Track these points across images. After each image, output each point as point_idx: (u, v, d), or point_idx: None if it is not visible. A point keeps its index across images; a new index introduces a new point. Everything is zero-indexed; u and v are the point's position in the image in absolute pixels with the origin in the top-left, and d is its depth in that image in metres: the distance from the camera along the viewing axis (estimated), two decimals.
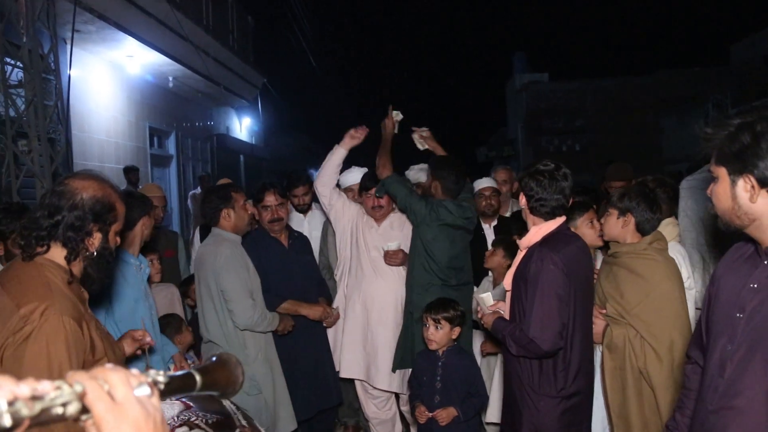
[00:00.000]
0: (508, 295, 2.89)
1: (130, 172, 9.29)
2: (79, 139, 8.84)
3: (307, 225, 4.63)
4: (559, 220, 2.76)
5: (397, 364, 3.93)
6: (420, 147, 4.41)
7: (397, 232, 4.15)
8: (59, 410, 0.73)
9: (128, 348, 2.60)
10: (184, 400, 2.46)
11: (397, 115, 4.21)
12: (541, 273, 2.62)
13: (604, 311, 2.98)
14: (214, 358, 1.06)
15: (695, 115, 18.96)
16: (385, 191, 4.05)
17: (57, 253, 1.89)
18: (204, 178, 12.28)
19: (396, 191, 3.93)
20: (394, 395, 4.14)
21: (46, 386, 0.73)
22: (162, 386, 0.88)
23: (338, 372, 4.13)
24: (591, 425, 2.93)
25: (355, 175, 4.52)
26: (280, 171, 22.59)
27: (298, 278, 4.00)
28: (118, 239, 2.04)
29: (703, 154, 1.66)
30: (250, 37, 15.71)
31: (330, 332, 4.21)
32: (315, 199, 4.62)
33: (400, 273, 4.11)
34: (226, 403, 2.53)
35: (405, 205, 3.90)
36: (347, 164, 4.44)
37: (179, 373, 0.96)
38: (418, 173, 4.80)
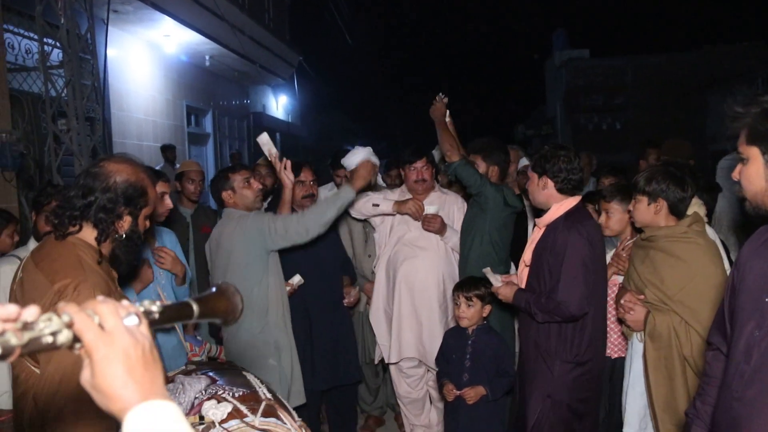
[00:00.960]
0: (525, 269, 3.06)
1: (168, 150, 9.45)
2: (118, 118, 9.01)
3: None
4: (579, 197, 3.02)
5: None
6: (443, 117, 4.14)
7: (437, 208, 4.05)
8: (48, 339, 0.77)
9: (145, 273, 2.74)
10: (210, 374, 2.52)
11: (442, 100, 4.07)
12: (568, 242, 2.83)
13: (642, 297, 2.86)
14: (213, 289, 1.08)
15: (743, 93, 18.34)
16: (455, 175, 3.92)
17: (88, 234, 1.93)
18: (235, 155, 12.41)
19: (469, 176, 3.82)
20: (425, 374, 4.13)
21: (34, 314, 0.78)
22: (156, 315, 0.91)
23: (387, 357, 4.11)
24: (602, 405, 3.20)
25: (361, 156, 4.24)
26: (316, 149, 22.74)
27: (323, 254, 3.99)
28: (148, 223, 2.06)
29: (730, 133, 1.59)
30: (286, 15, 15.71)
31: (380, 319, 4.16)
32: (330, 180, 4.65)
33: (439, 250, 4.05)
34: (250, 377, 2.58)
35: (479, 189, 3.81)
36: (351, 145, 4.33)
37: (176, 302, 0.98)
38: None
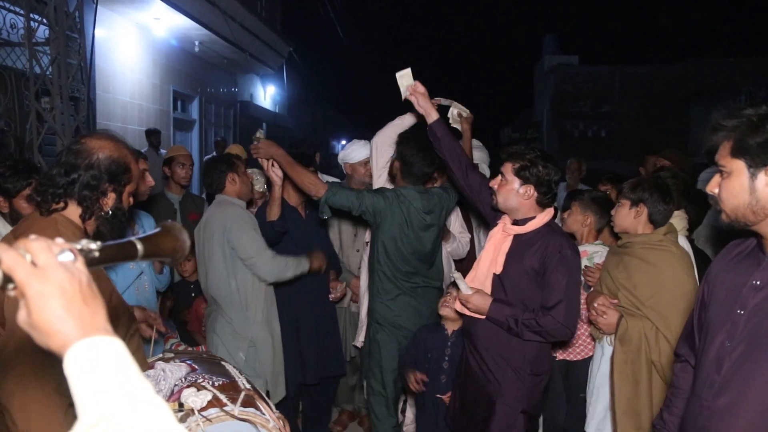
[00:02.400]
0: (489, 278, 2.79)
1: (152, 134, 9.34)
2: (103, 99, 8.89)
3: None
4: (552, 209, 2.83)
5: (365, 375, 3.70)
6: (454, 124, 3.73)
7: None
8: None
9: (138, 313, 2.63)
10: (189, 362, 2.49)
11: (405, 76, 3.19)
12: (569, 259, 2.66)
13: (615, 301, 2.90)
14: (158, 228, 1.07)
15: (727, 107, 18.55)
16: (330, 210, 3.34)
17: (72, 211, 1.92)
18: (219, 143, 12.30)
19: (344, 201, 3.30)
20: None
21: None
22: (96, 253, 0.88)
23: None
24: (559, 407, 3.21)
25: (355, 152, 4.25)
26: (302, 141, 22.64)
27: (314, 248, 3.95)
28: (132, 200, 2.05)
29: (710, 145, 1.58)
30: (278, 5, 15.62)
31: (361, 307, 4.07)
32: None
33: None
34: (228, 367, 2.56)
35: (362, 210, 3.33)
36: (348, 139, 4.26)
37: (118, 241, 0.94)
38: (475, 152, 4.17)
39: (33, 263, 0.79)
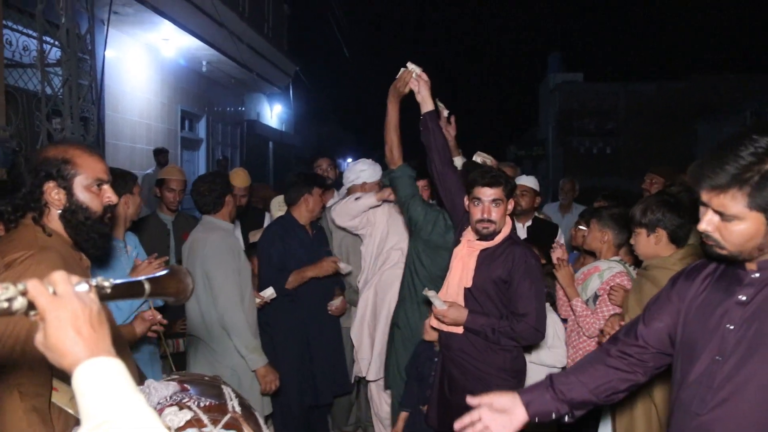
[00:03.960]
0: (460, 293, 2.95)
1: (160, 153, 9.42)
2: (112, 119, 9.00)
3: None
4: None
5: (390, 383, 3.72)
6: (411, 88, 3.28)
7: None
8: (4, 305, 0.87)
9: (139, 328, 2.68)
10: (185, 384, 2.49)
11: (412, 71, 3.23)
12: (534, 267, 2.90)
13: (623, 322, 2.79)
14: (165, 271, 1.19)
15: (732, 123, 18.59)
16: (391, 182, 3.58)
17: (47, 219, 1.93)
18: (221, 162, 12.40)
19: (404, 189, 3.49)
20: None
21: None
22: (108, 290, 1.01)
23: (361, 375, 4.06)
24: None
25: (369, 171, 4.28)
26: (308, 159, 22.75)
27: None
28: (110, 197, 1.96)
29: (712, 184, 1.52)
30: (285, 25, 15.79)
31: (354, 334, 4.10)
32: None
33: None
34: (226, 389, 2.55)
35: (411, 209, 3.48)
36: (355, 157, 4.32)
37: (128, 280, 1.09)
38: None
39: (54, 293, 0.93)
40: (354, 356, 4.09)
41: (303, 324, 3.83)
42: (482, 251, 2.94)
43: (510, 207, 2.97)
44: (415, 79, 3.26)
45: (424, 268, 3.52)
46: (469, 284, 2.93)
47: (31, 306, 0.91)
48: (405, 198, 3.49)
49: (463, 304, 2.93)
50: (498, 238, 2.94)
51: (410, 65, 3.26)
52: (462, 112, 4.26)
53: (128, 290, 1.08)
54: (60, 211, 1.90)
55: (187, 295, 1.22)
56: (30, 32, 6.45)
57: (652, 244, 2.81)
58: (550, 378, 1.91)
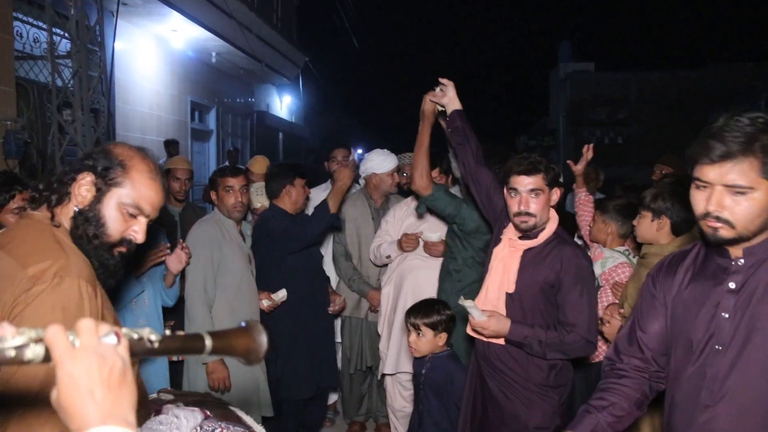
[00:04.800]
0: (501, 298, 2.63)
1: (170, 145, 9.45)
2: (122, 110, 9.03)
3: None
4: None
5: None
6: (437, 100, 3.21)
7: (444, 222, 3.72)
8: (11, 353, 0.76)
9: None
10: (202, 410, 2.43)
11: (443, 93, 3.10)
12: (586, 269, 2.57)
13: (621, 311, 2.86)
14: (243, 324, 1.00)
15: (746, 112, 18.40)
16: (427, 205, 3.46)
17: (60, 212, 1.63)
18: (232, 153, 12.41)
19: (443, 206, 3.39)
20: None
21: (6, 330, 0.77)
22: (155, 344, 0.87)
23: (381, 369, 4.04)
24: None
25: (383, 162, 4.25)
26: (318, 149, 22.79)
27: (315, 260, 4.03)
28: (136, 233, 1.63)
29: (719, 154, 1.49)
30: (294, 16, 15.76)
31: (381, 322, 4.10)
32: (328, 177, 4.56)
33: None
34: (240, 413, 2.45)
35: (459, 217, 3.41)
36: (365, 148, 4.26)
37: (182, 333, 0.91)
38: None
39: (74, 344, 0.81)
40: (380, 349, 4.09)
41: (294, 315, 3.73)
42: (526, 251, 2.61)
43: (555, 198, 2.62)
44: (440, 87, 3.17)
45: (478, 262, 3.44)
46: (512, 289, 2.61)
47: (48, 356, 0.79)
48: (452, 214, 3.39)
49: (504, 310, 2.61)
50: (543, 236, 2.60)
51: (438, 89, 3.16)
52: (473, 102, 4.24)
53: (182, 346, 0.91)
54: (76, 209, 1.59)
55: (259, 357, 1.00)
56: (40, 24, 6.49)
57: (654, 229, 2.83)
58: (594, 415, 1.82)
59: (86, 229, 1.58)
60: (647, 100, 23.61)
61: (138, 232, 1.63)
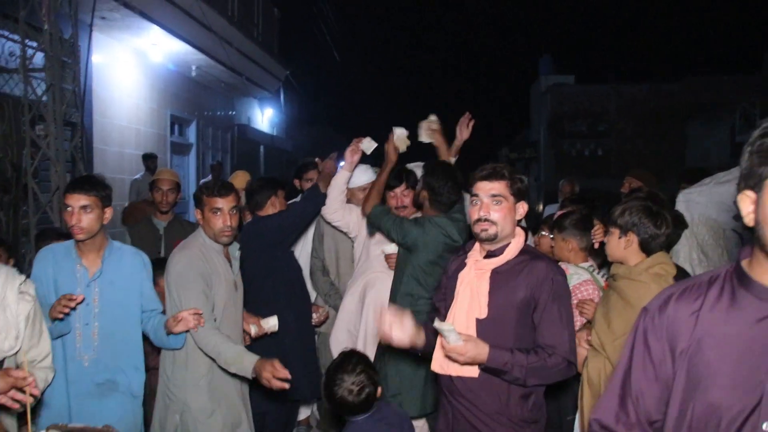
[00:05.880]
0: (472, 323, 2.41)
1: (149, 158, 9.38)
2: (100, 124, 8.95)
3: None
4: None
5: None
6: (426, 139, 3.96)
7: None
8: None
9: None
10: None
11: (401, 137, 3.83)
12: (562, 285, 2.40)
13: (589, 338, 2.76)
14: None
15: (721, 124, 18.67)
16: (371, 222, 3.71)
17: None
18: (215, 167, 12.34)
19: (386, 225, 3.61)
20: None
21: None
22: None
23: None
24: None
25: (359, 176, 4.24)
26: (298, 163, 22.76)
27: (295, 271, 4.03)
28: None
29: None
30: (275, 29, 15.77)
31: (341, 340, 4.03)
32: (300, 193, 4.59)
33: None
34: None
35: (404, 236, 3.53)
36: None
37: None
38: (415, 169, 4.24)
39: None
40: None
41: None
42: (494, 271, 2.43)
43: (521, 211, 2.46)
44: (427, 132, 3.87)
45: (422, 287, 3.53)
46: (484, 314, 2.39)
47: None
48: (399, 232, 3.56)
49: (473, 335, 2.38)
50: (510, 252, 2.43)
51: (397, 132, 3.85)
52: (454, 115, 4.33)
53: None
54: None
55: None
56: (15, 37, 6.41)
57: (622, 247, 2.70)
58: None
59: None
60: (627, 113, 23.85)
61: None
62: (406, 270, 3.59)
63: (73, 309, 2.72)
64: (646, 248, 2.68)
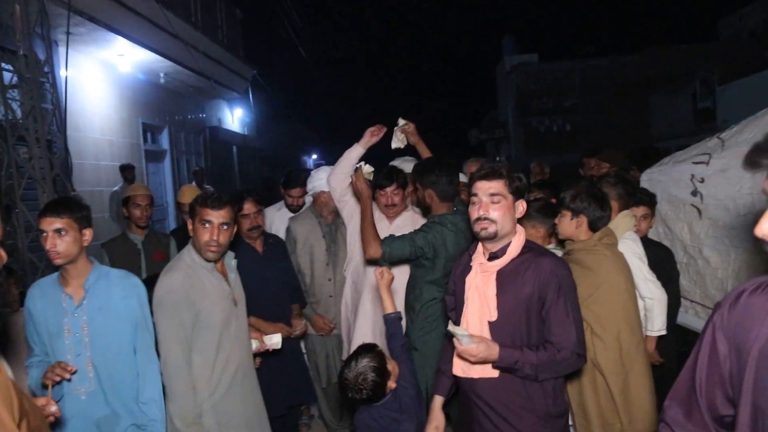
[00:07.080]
0: (484, 327, 2.48)
1: (126, 169, 9.41)
2: (74, 138, 8.96)
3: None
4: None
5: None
6: (400, 145, 4.11)
7: (410, 229, 3.65)
8: None
9: None
10: None
11: (367, 170, 3.73)
12: (567, 280, 2.45)
13: None
14: None
15: (683, 93, 19.12)
16: (389, 261, 3.46)
17: None
18: (198, 172, 12.40)
19: (399, 252, 3.45)
20: None
21: None
22: None
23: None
24: None
25: (323, 175, 4.28)
26: (273, 158, 22.78)
27: (271, 285, 3.98)
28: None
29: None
30: (239, 30, 15.78)
31: (343, 328, 4.19)
32: (281, 198, 4.71)
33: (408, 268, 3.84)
34: None
35: (417, 252, 3.45)
36: (319, 153, 4.32)
37: None
38: (402, 164, 4.38)
39: None
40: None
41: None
42: (500, 272, 2.48)
43: (520, 210, 2.51)
44: (401, 138, 3.96)
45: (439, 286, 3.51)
46: (494, 316, 2.45)
47: None
48: (411, 250, 3.44)
49: (486, 336, 2.45)
50: (512, 251, 2.48)
51: (364, 167, 3.72)
52: (421, 100, 4.47)
53: None
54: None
55: None
56: None
57: (573, 227, 3.22)
58: None
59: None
60: (592, 86, 24.25)
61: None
62: (425, 278, 3.54)
63: (68, 380, 2.59)
64: (594, 227, 3.20)
